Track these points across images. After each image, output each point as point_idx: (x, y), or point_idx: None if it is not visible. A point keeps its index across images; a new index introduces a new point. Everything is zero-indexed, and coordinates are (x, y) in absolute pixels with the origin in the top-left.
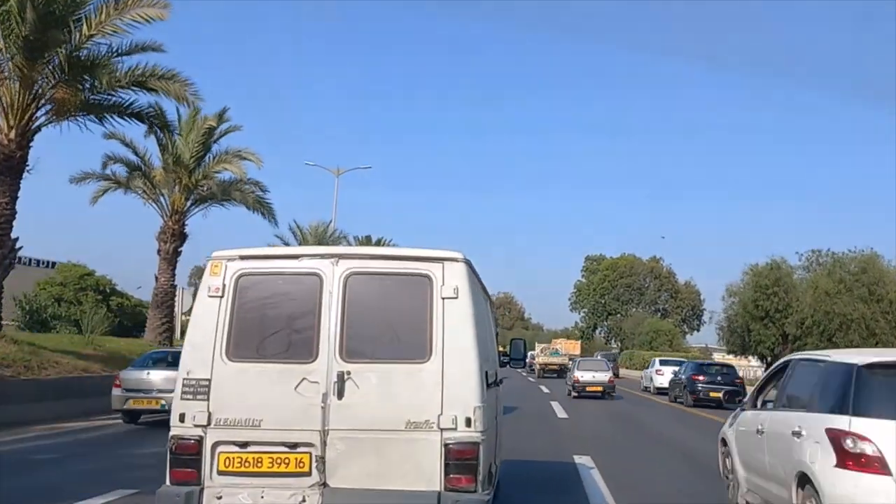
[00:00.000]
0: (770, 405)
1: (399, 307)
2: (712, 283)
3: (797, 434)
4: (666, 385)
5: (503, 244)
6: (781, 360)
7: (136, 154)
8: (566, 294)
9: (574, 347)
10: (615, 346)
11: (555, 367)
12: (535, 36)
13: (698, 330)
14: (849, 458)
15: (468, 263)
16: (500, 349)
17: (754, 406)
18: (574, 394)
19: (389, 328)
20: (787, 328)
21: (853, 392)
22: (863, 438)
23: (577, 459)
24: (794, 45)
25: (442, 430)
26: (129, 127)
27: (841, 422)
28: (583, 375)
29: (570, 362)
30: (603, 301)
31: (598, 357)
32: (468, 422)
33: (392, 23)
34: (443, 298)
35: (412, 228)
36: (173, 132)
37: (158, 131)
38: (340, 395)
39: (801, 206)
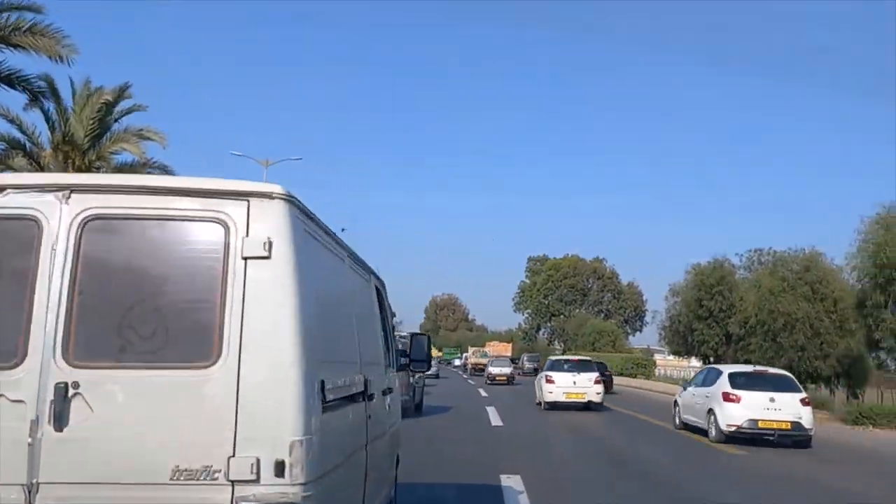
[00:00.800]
0: (693, 385)
1: (169, 273)
2: (655, 284)
3: (710, 396)
4: None
5: (447, 244)
6: (704, 368)
7: (23, 131)
8: (511, 295)
9: (506, 349)
10: (559, 346)
11: (482, 366)
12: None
13: (640, 331)
14: (728, 400)
15: (293, 202)
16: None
17: (688, 387)
18: (488, 382)
19: (151, 310)
20: (730, 328)
21: (728, 378)
22: (731, 396)
23: (505, 481)
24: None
25: (233, 482)
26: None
27: (727, 388)
28: (493, 370)
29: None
30: (546, 302)
31: (526, 357)
32: (279, 468)
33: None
34: (245, 259)
35: (355, 227)
36: (64, 108)
37: (46, 104)
38: (61, 423)
39: (742, 206)
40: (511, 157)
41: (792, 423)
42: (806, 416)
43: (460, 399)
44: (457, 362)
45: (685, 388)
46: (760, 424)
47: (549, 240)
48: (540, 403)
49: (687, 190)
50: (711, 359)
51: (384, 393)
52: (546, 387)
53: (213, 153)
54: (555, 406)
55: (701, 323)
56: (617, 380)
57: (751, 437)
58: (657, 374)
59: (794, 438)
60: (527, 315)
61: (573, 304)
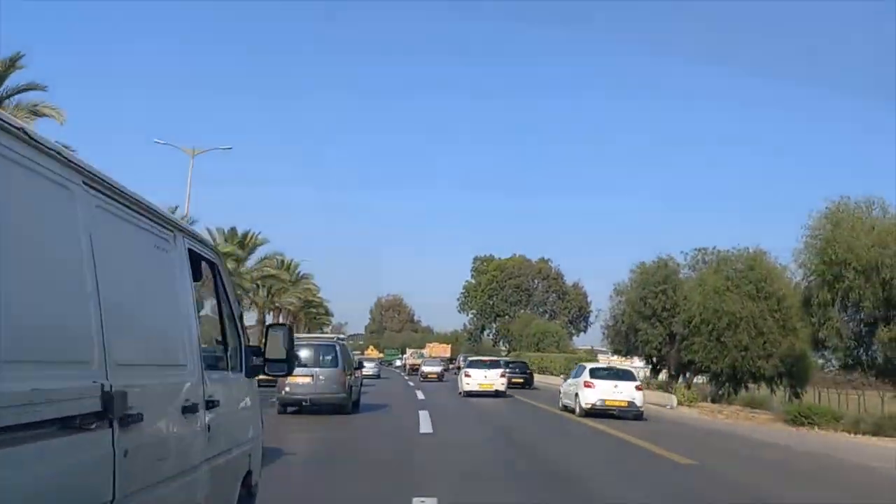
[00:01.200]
0: (570, 377)
1: None
2: (600, 285)
3: (576, 384)
4: None
5: (392, 245)
6: (578, 365)
7: None
8: (457, 295)
9: (445, 350)
10: (504, 347)
11: (418, 366)
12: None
13: (585, 332)
14: (587, 386)
15: None
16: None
17: (567, 379)
18: (421, 379)
19: None
20: (674, 327)
21: (589, 371)
22: (589, 384)
23: (423, 425)
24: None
25: None
26: None
27: (587, 378)
28: (425, 369)
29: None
30: (491, 302)
31: (461, 357)
32: None
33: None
34: None
35: (297, 227)
36: None
37: None
38: None
39: (686, 206)
40: (456, 155)
41: (628, 402)
42: (638, 397)
43: (399, 388)
44: (398, 363)
45: (565, 380)
46: (607, 403)
47: (497, 240)
48: (461, 392)
49: (633, 191)
50: (654, 359)
51: (188, 410)
52: (465, 380)
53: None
54: (470, 394)
55: (644, 322)
56: (559, 380)
57: (601, 412)
58: None
59: (630, 413)
60: (472, 315)
61: (518, 304)
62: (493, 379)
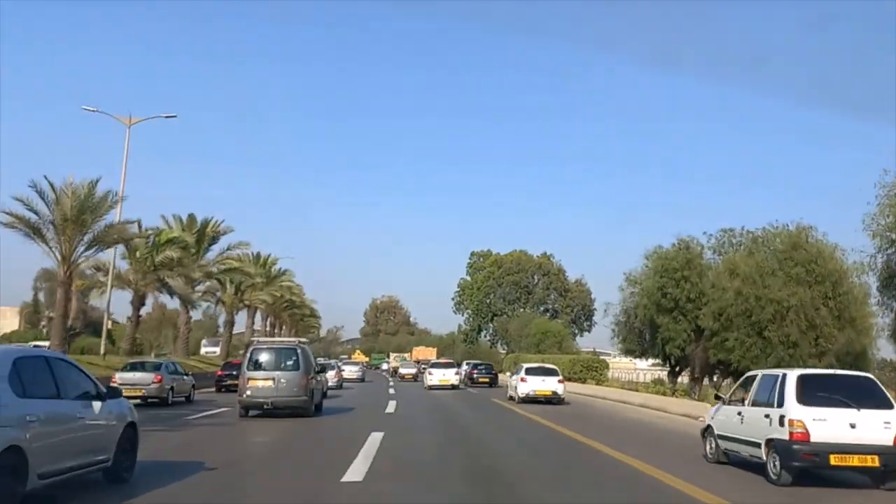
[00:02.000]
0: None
1: None
2: (605, 282)
3: (516, 379)
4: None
5: (388, 246)
6: (518, 366)
7: None
8: (452, 295)
9: (431, 354)
10: (503, 350)
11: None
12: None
13: (589, 331)
14: (522, 381)
15: None
16: None
17: (513, 376)
18: (399, 379)
19: None
20: (701, 321)
21: (524, 370)
22: (524, 378)
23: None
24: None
25: None
26: None
27: (523, 375)
28: (402, 371)
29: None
30: (488, 301)
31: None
32: None
33: None
34: None
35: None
36: None
37: None
38: None
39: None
40: (457, 153)
41: (552, 391)
42: (560, 388)
43: (376, 388)
44: (384, 367)
45: (511, 377)
46: (536, 392)
47: (496, 237)
48: (425, 386)
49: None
50: (672, 359)
51: None
52: (428, 377)
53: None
54: (432, 388)
55: (664, 316)
56: (581, 387)
57: (532, 400)
58: (610, 377)
59: (554, 400)
60: (467, 315)
61: (517, 302)
62: (449, 376)
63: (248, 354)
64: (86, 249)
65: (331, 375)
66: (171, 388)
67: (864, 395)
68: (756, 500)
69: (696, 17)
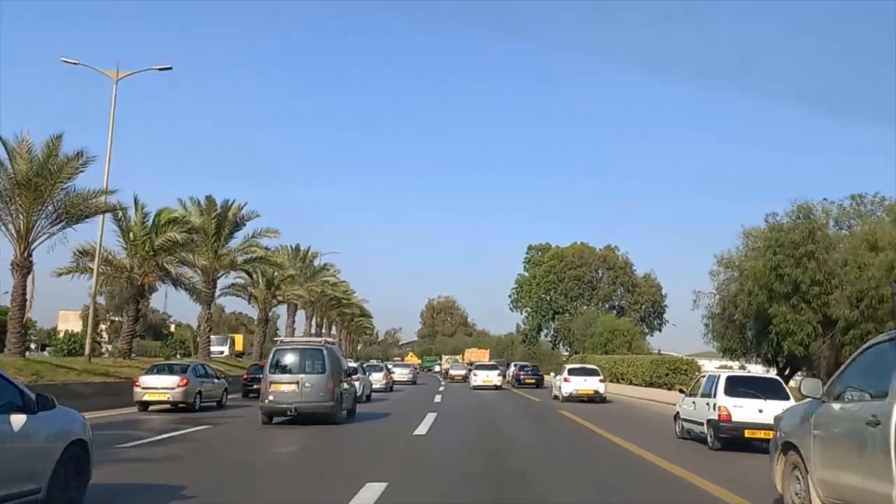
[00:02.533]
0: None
1: None
2: (676, 277)
3: (559, 379)
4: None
5: (444, 246)
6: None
7: None
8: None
9: (483, 356)
10: (565, 351)
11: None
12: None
13: (660, 330)
14: (565, 381)
15: None
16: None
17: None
18: (449, 381)
19: None
20: (832, 309)
21: (567, 370)
22: (567, 379)
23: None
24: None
25: None
26: None
27: (566, 375)
28: (453, 372)
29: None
30: (548, 297)
31: (490, 362)
32: None
33: None
34: None
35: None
36: None
37: None
38: None
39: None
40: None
41: (594, 391)
42: (601, 387)
43: (426, 390)
44: (437, 368)
45: (555, 377)
46: (578, 392)
47: (555, 232)
48: (471, 387)
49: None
50: (781, 359)
51: None
52: (472, 378)
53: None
54: (476, 387)
55: (781, 304)
56: (642, 391)
57: (575, 399)
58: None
59: (596, 398)
60: (526, 313)
61: (579, 299)
62: (492, 377)
63: (271, 356)
64: (52, 224)
65: (378, 378)
66: (199, 393)
67: (770, 391)
68: (697, 457)
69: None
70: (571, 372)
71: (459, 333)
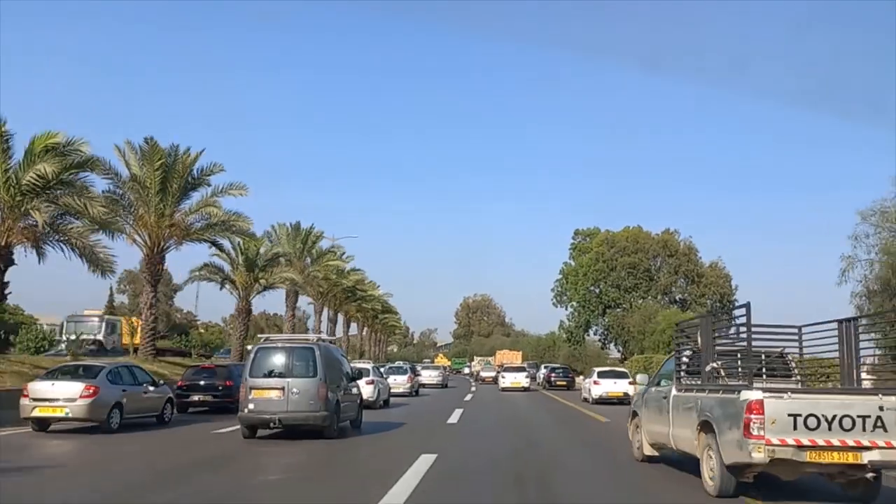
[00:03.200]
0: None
1: None
2: (745, 265)
3: (589, 382)
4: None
5: (480, 243)
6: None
7: None
8: (551, 287)
9: (515, 357)
10: (617, 351)
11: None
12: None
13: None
14: (595, 384)
15: None
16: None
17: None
18: (480, 382)
19: None
20: None
21: (596, 373)
22: (597, 382)
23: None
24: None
25: None
26: None
27: (595, 378)
28: (483, 374)
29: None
30: (598, 289)
31: (526, 364)
32: None
33: None
34: None
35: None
36: None
37: None
38: None
39: None
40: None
41: (623, 393)
42: (631, 389)
43: (453, 394)
44: (466, 371)
45: (584, 380)
46: (609, 394)
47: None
48: (500, 388)
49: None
50: None
51: None
52: (501, 380)
53: None
54: (505, 389)
55: None
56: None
57: (605, 402)
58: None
59: (625, 401)
60: (571, 309)
61: (634, 291)
62: (519, 379)
63: (251, 356)
64: None
65: (401, 381)
66: (119, 406)
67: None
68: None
69: None
70: (601, 375)
71: (497, 334)
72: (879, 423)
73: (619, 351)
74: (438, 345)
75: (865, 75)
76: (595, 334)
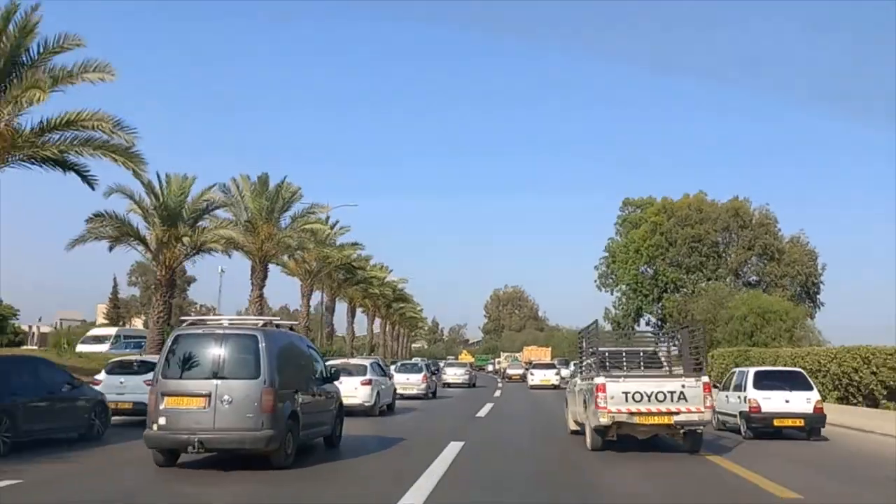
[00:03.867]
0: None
1: None
2: (832, 237)
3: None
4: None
5: (511, 234)
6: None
7: None
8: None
9: (545, 354)
10: (675, 341)
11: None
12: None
13: (819, 309)
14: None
15: None
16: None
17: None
18: (506, 380)
19: None
20: None
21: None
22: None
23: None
24: None
25: None
26: None
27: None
28: (510, 371)
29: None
30: (651, 270)
31: (556, 361)
32: None
33: None
34: None
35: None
36: None
37: None
38: None
39: None
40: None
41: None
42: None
43: (480, 394)
44: (490, 368)
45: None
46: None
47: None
48: (529, 385)
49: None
50: None
51: None
52: (530, 378)
53: None
54: (534, 387)
55: None
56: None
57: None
58: None
59: None
60: (619, 293)
61: (699, 270)
62: (549, 376)
63: (166, 347)
64: None
65: (415, 381)
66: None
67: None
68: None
69: None
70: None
71: (529, 328)
72: (682, 397)
73: (677, 343)
74: (470, 342)
75: None
76: (648, 324)
